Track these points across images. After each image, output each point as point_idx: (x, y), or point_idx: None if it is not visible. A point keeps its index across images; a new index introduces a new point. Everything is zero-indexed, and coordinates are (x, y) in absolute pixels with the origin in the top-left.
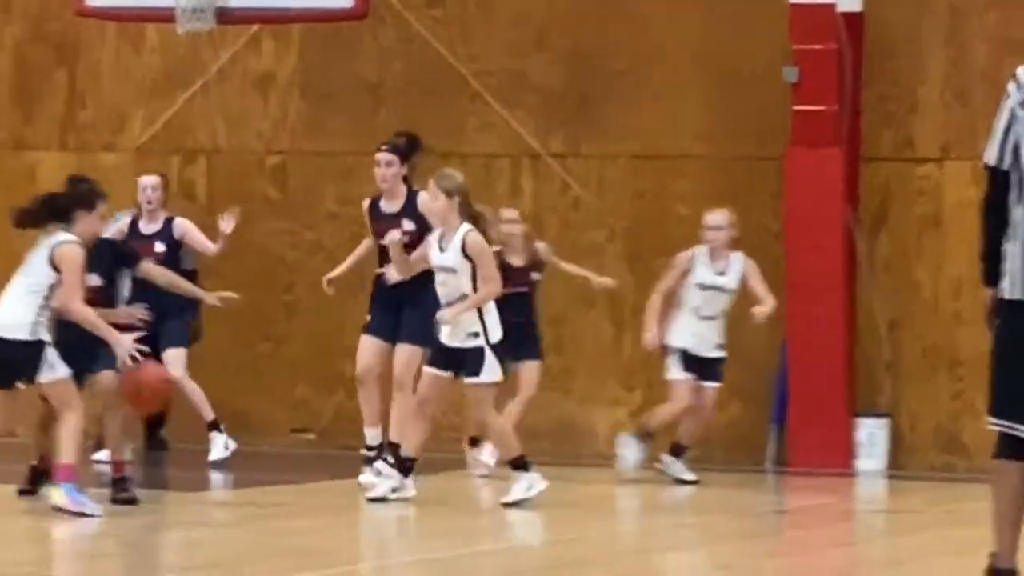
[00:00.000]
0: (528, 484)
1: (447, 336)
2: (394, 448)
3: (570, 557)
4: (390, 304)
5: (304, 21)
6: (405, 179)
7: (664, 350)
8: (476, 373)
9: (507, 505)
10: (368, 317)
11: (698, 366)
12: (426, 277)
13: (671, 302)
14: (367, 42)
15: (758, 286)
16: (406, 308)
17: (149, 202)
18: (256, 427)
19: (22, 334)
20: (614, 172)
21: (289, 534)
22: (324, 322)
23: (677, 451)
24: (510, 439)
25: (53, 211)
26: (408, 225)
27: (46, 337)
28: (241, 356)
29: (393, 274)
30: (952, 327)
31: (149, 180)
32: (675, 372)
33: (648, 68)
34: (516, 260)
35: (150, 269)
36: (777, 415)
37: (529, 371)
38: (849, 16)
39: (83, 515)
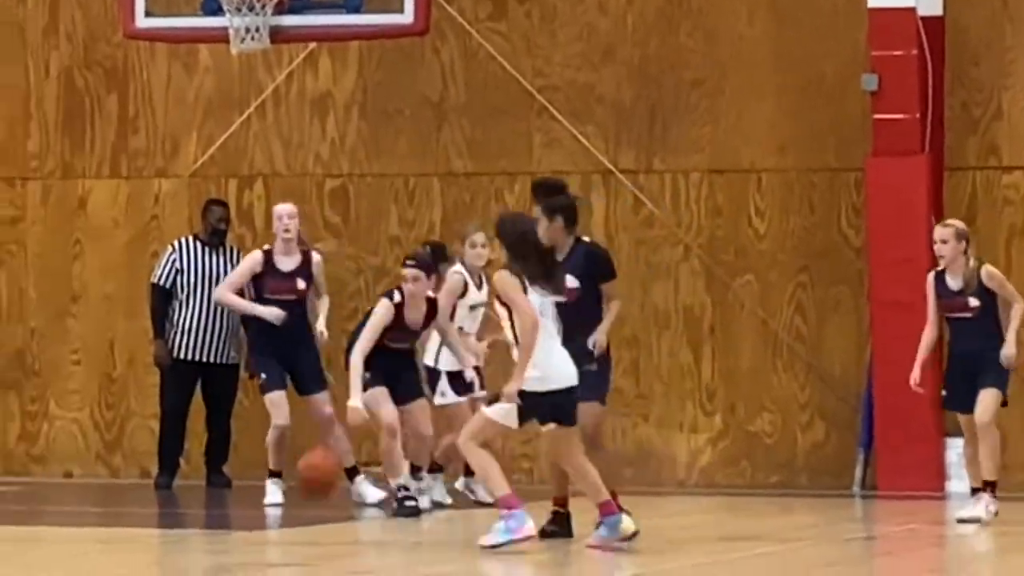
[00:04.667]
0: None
1: None
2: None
3: None
4: None
5: (362, 38)
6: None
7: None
8: None
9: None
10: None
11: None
12: None
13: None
14: (429, 59)
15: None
16: None
17: (287, 231)
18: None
19: None
20: (688, 187)
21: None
22: None
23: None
24: None
25: None
26: None
27: None
28: None
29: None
30: None
31: (285, 208)
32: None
33: (720, 78)
34: None
35: None
36: (864, 437)
37: None
38: (929, 20)
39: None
